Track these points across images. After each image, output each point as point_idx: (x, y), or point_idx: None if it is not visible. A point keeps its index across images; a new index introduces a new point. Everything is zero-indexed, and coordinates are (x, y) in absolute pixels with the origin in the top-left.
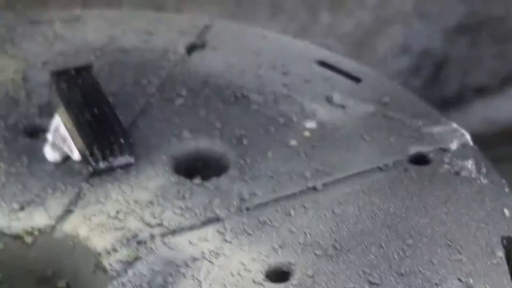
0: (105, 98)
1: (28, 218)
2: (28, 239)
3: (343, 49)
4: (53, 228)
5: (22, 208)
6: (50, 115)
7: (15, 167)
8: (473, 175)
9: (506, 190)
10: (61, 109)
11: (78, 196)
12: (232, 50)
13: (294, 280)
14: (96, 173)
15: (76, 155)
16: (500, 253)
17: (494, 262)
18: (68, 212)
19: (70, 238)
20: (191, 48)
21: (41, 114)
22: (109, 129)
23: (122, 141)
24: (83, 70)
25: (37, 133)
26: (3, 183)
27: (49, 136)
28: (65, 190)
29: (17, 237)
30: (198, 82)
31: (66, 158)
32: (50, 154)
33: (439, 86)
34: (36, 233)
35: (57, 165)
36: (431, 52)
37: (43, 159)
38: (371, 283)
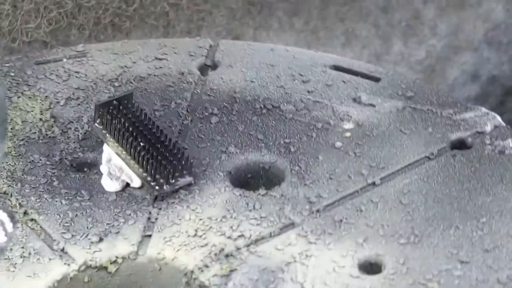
0: (152, 122)
1: (110, 248)
2: (112, 268)
3: (414, 76)
4: (136, 254)
5: (101, 240)
6: (93, 148)
7: (77, 202)
8: None
9: None
10: (110, 140)
11: (150, 221)
12: (247, 65)
13: (389, 270)
14: (160, 197)
15: (136, 182)
16: None
17: None
18: (146, 237)
19: (155, 261)
20: (204, 69)
21: (83, 148)
22: (165, 152)
23: (182, 162)
24: (124, 99)
25: (84, 167)
26: (72, 218)
27: (104, 168)
28: (136, 217)
29: (101, 268)
30: (226, 99)
31: (125, 187)
32: (109, 184)
33: (507, 112)
34: (120, 261)
35: (117, 194)
36: (499, 80)
37: (101, 190)
38: (462, 262)
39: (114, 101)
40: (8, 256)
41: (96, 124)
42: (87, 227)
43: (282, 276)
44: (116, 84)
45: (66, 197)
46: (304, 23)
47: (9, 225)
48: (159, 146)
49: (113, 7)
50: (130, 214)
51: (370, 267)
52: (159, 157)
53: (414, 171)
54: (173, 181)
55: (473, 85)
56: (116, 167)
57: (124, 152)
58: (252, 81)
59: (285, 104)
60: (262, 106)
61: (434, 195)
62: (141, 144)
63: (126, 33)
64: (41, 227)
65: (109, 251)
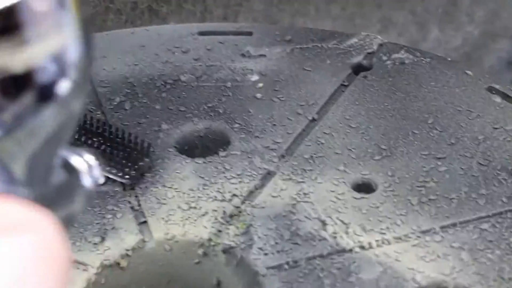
0: (91, 117)
1: (116, 244)
2: (124, 263)
3: None
4: (143, 241)
5: (103, 239)
6: None
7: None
8: (415, 59)
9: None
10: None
11: (135, 210)
12: (119, 52)
13: (383, 184)
14: (128, 186)
15: (100, 179)
16: None
17: None
18: (142, 224)
19: (164, 243)
20: None
21: None
22: (115, 142)
23: (137, 147)
24: None
25: None
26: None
27: None
28: (120, 209)
29: (115, 265)
30: (123, 86)
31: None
32: None
33: None
34: (130, 253)
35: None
36: None
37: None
38: (439, 158)
39: None
40: None
41: None
42: (81, 232)
43: (297, 217)
44: None
45: None
46: (341, 9)
47: (96, 169)
48: (107, 138)
49: None
50: (112, 209)
51: (365, 187)
52: (114, 149)
53: (341, 99)
54: (136, 167)
55: (509, 72)
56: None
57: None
58: (135, 64)
59: (184, 75)
60: (163, 83)
61: (373, 114)
62: (96, 140)
63: (163, 18)
64: None
65: (118, 246)
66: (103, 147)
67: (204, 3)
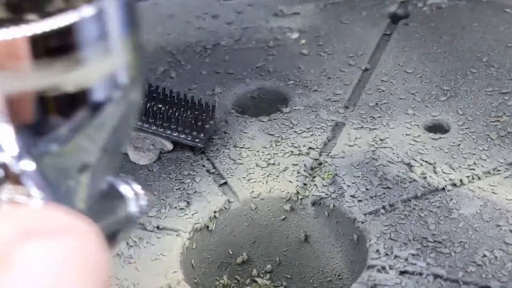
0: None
1: (203, 207)
2: (212, 226)
3: None
4: (228, 202)
5: (189, 203)
6: None
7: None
8: (451, 3)
9: None
10: None
11: (211, 172)
12: (144, 24)
13: (458, 123)
14: (199, 148)
15: (169, 146)
16: None
17: None
18: (222, 185)
19: (250, 202)
20: None
21: None
22: (182, 106)
23: (203, 109)
24: None
25: None
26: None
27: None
28: (197, 173)
29: (203, 228)
30: (162, 54)
31: (160, 155)
32: (142, 158)
33: None
34: (217, 215)
35: (156, 164)
36: None
37: (138, 167)
38: (503, 93)
39: None
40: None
41: None
42: (163, 199)
43: (380, 163)
44: None
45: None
46: None
47: (143, 199)
48: (172, 103)
49: None
50: (189, 174)
51: (438, 128)
52: (182, 113)
53: (388, 48)
54: (203, 130)
55: None
56: (143, 140)
57: (144, 120)
58: (168, 34)
59: (222, 39)
60: (203, 48)
61: (426, 58)
62: (159, 106)
63: None
64: None
65: (206, 208)
66: (169, 112)
67: None
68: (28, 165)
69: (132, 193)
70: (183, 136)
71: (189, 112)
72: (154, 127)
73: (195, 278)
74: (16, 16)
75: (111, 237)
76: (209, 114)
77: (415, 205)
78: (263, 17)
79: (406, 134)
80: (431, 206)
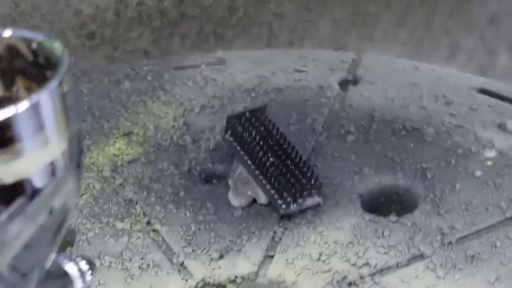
0: (285, 138)
1: (230, 266)
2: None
3: None
4: (256, 274)
5: (221, 257)
6: (223, 160)
7: (202, 214)
8: None
9: None
10: (240, 153)
11: (274, 241)
12: (388, 83)
13: None
14: (286, 216)
15: (263, 199)
16: None
17: None
18: (268, 257)
19: (275, 284)
20: (344, 84)
21: (213, 159)
22: (294, 169)
23: (311, 181)
24: (258, 111)
25: (212, 179)
26: (195, 231)
27: (231, 182)
28: (260, 235)
29: (219, 286)
30: (364, 117)
31: (252, 203)
32: (235, 199)
33: None
34: (239, 281)
35: (243, 209)
36: None
37: (227, 204)
38: None
39: (247, 113)
40: (126, 267)
41: (227, 135)
42: (209, 242)
43: None
44: (253, 94)
45: (191, 209)
46: (409, 34)
47: (88, 275)
48: (289, 162)
49: (217, 16)
50: (254, 232)
51: None
52: (288, 174)
53: None
54: (301, 200)
55: None
56: (243, 182)
57: (252, 167)
58: (392, 100)
59: (425, 126)
60: (401, 127)
61: None
62: (271, 159)
63: (228, 42)
64: (162, 238)
65: (229, 269)
66: (278, 167)
67: (270, 28)
68: None
69: (77, 271)
70: (276, 196)
71: (295, 175)
72: (261, 177)
73: None
74: None
75: None
76: (317, 188)
77: None
78: (483, 121)
79: None
80: None
